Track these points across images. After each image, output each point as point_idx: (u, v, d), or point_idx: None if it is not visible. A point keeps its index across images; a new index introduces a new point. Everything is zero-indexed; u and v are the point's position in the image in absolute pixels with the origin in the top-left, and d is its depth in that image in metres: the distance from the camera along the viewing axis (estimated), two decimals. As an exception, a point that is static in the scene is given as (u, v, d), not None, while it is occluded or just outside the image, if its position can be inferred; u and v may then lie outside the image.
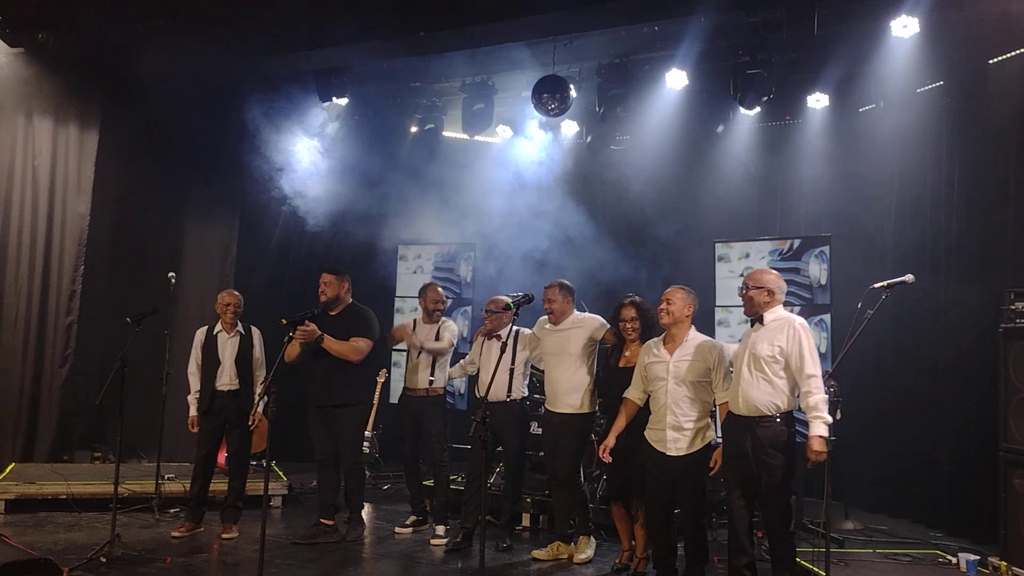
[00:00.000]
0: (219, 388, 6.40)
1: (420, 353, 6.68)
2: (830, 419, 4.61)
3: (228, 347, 6.45)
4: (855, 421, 7.46)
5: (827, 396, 4.65)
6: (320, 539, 6.28)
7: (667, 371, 5.19)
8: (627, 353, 5.69)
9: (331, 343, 6.17)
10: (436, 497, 6.73)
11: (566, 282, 6.19)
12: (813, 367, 4.66)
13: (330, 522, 6.41)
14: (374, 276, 9.50)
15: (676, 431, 5.12)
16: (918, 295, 6.74)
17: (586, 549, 6.03)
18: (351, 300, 6.45)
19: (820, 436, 4.57)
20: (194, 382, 6.55)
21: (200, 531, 6.41)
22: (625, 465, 5.52)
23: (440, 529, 6.57)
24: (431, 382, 6.65)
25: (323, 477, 6.47)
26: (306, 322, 5.97)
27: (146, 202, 8.87)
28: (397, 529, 6.77)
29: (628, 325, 5.65)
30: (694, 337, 5.25)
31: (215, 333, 6.54)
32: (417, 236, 9.69)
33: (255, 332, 6.62)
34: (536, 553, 6.10)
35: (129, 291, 8.47)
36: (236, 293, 6.67)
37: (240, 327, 6.56)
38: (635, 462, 5.43)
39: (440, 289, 6.93)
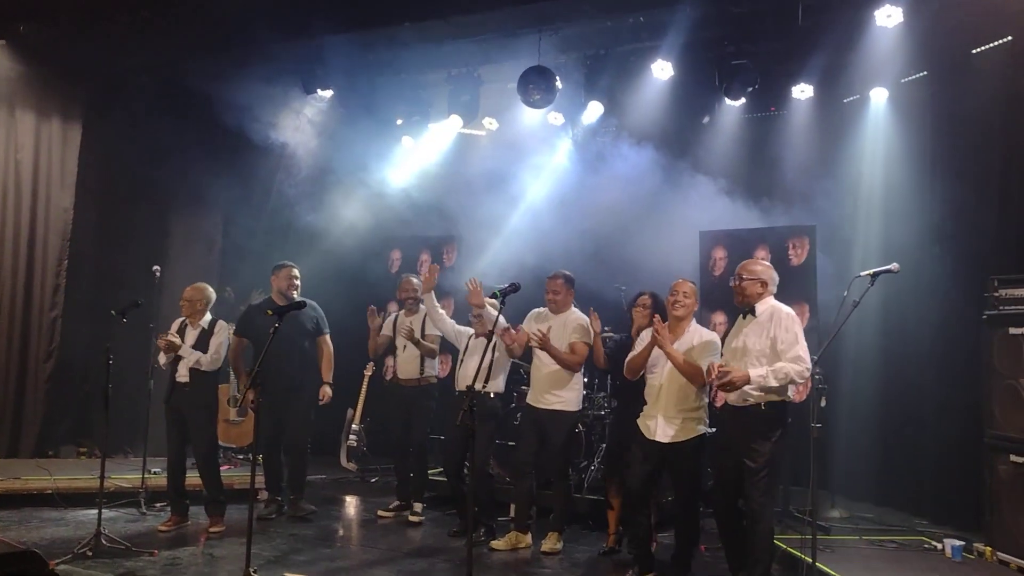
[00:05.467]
0: (177, 380, 6.36)
1: (405, 346, 6.80)
2: (773, 384, 4.60)
3: (188, 340, 6.39)
4: (841, 409, 7.52)
5: (797, 381, 4.66)
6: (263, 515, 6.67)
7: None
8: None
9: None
10: (418, 478, 6.91)
11: (569, 273, 6.20)
12: (802, 352, 4.64)
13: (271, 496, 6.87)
14: (362, 269, 9.49)
15: (666, 418, 5.13)
16: (903, 284, 6.76)
17: (556, 543, 6.01)
18: None
19: (746, 376, 4.59)
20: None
21: (187, 524, 6.39)
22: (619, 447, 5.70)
23: (418, 507, 6.78)
24: (423, 371, 6.86)
25: (267, 460, 6.83)
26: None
27: (130, 195, 8.82)
28: (380, 512, 6.97)
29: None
30: (693, 330, 5.29)
31: (184, 325, 6.50)
32: (402, 229, 9.66)
33: (218, 325, 6.45)
34: (495, 544, 6.03)
35: (114, 285, 8.41)
36: (200, 286, 6.54)
37: (204, 321, 6.47)
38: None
39: (414, 279, 7.01)
